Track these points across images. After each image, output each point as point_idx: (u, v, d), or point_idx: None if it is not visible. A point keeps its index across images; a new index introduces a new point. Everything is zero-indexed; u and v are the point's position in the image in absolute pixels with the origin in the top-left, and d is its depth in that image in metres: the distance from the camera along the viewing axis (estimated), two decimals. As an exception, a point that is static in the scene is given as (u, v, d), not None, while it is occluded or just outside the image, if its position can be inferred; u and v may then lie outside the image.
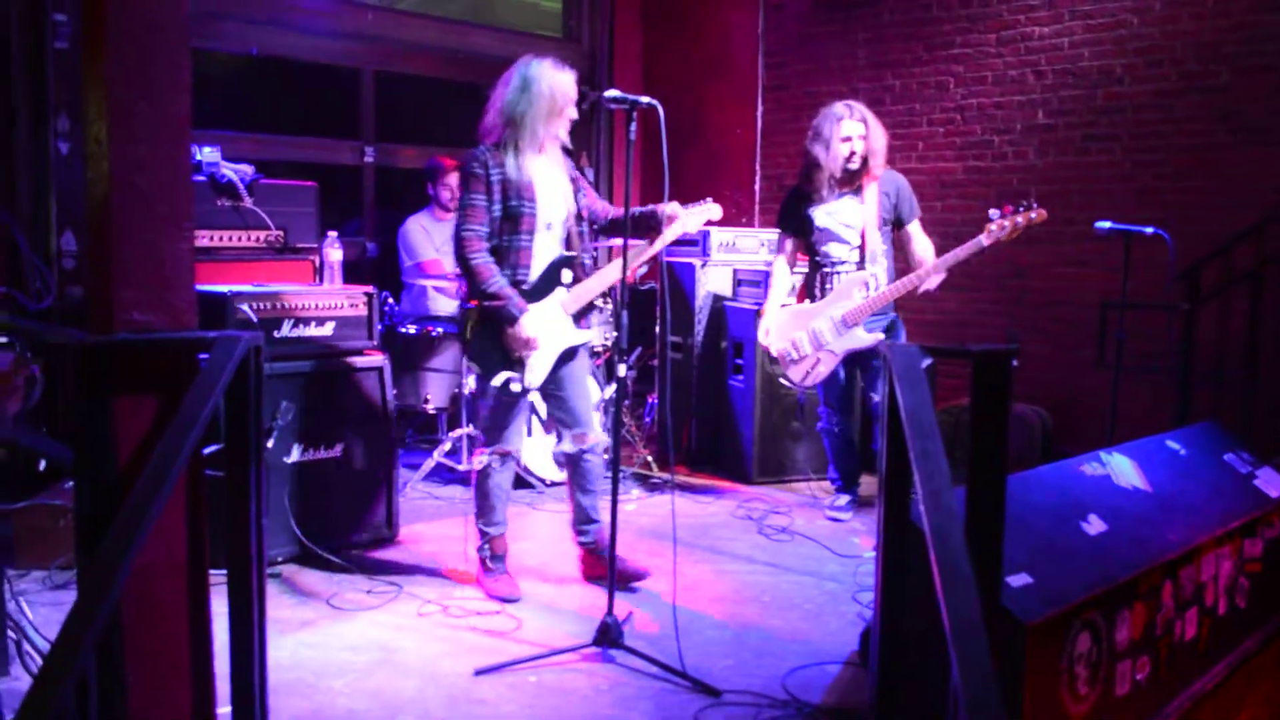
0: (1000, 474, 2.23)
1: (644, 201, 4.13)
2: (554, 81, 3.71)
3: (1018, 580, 2.45)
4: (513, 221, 3.70)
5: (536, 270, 3.78)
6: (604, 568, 3.81)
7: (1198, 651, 3.18)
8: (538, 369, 3.80)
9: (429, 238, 5.94)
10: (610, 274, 3.84)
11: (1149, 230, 4.32)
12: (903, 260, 4.86)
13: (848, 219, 4.77)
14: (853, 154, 4.69)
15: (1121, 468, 3.31)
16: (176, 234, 2.27)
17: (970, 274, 6.22)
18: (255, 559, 2.40)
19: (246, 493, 2.38)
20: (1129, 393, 4.96)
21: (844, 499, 5.09)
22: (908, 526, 2.35)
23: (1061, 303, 5.84)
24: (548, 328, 3.78)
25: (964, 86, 6.32)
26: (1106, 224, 4.35)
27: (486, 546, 3.99)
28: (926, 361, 2.18)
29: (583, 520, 4.02)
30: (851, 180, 4.75)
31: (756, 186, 7.45)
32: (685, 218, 3.88)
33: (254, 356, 2.29)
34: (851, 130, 4.68)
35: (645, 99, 3.36)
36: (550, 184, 3.80)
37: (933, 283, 4.54)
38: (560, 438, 4.01)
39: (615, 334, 3.52)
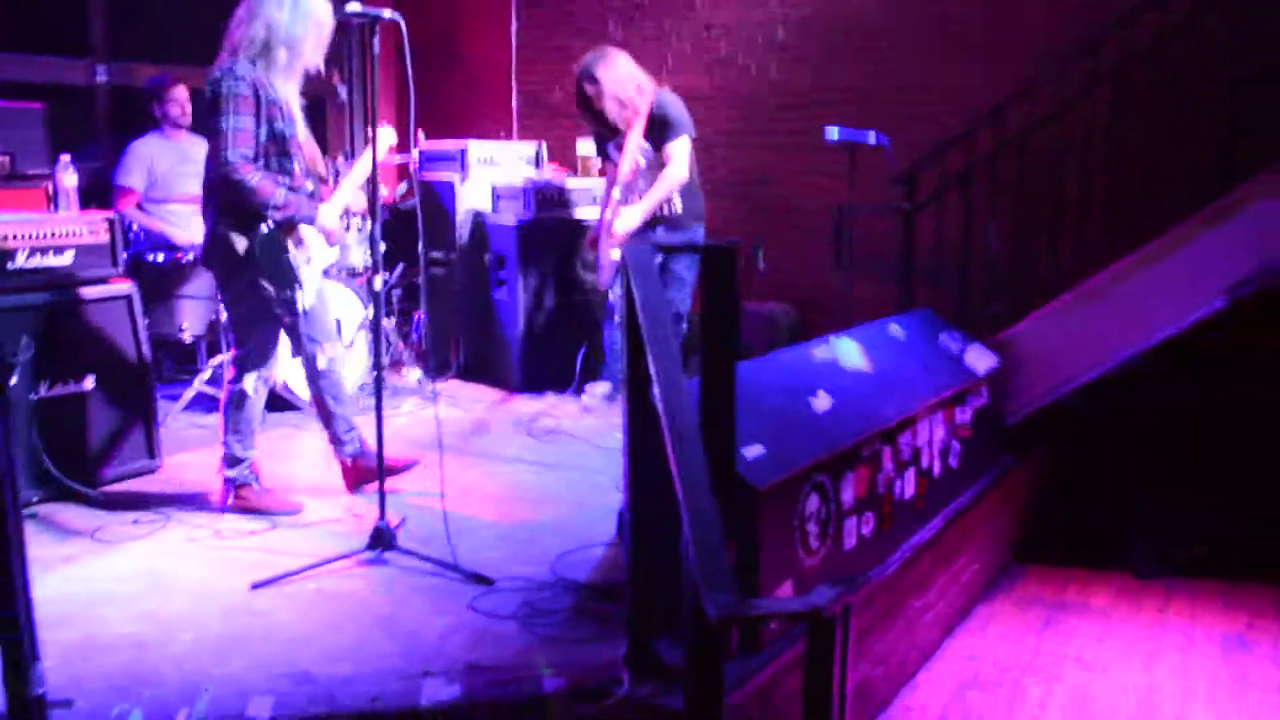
0: (730, 356, 2.47)
1: (397, 120, 4.18)
2: (324, 9, 3.70)
3: (751, 451, 2.72)
4: (279, 144, 3.65)
5: (303, 192, 3.76)
6: (369, 474, 3.93)
7: (916, 508, 3.60)
8: (311, 287, 3.82)
9: (151, 163, 5.64)
10: (340, 198, 3.98)
11: (871, 139, 4.69)
12: None
13: (625, 152, 5.11)
14: (599, 113, 5.04)
15: (847, 350, 3.66)
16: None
17: (716, 182, 6.54)
18: (8, 491, 2.37)
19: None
20: (862, 288, 5.40)
21: (603, 386, 5.41)
22: (648, 409, 2.56)
23: (802, 208, 6.23)
24: (316, 245, 3.83)
25: (710, 5, 6.57)
26: (835, 131, 4.69)
27: (248, 470, 3.97)
28: (659, 258, 2.38)
29: (344, 429, 4.06)
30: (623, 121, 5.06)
31: (514, 102, 7.50)
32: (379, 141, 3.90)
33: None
34: (589, 92, 5.02)
35: (387, 13, 3.39)
36: (298, 109, 3.78)
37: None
38: (307, 354, 3.97)
39: (373, 253, 3.58)
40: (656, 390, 2.12)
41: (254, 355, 3.88)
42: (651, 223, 5.01)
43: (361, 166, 4.00)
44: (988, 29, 5.61)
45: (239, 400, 3.90)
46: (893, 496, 3.40)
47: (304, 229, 3.76)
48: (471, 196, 6.22)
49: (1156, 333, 4.38)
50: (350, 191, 4.05)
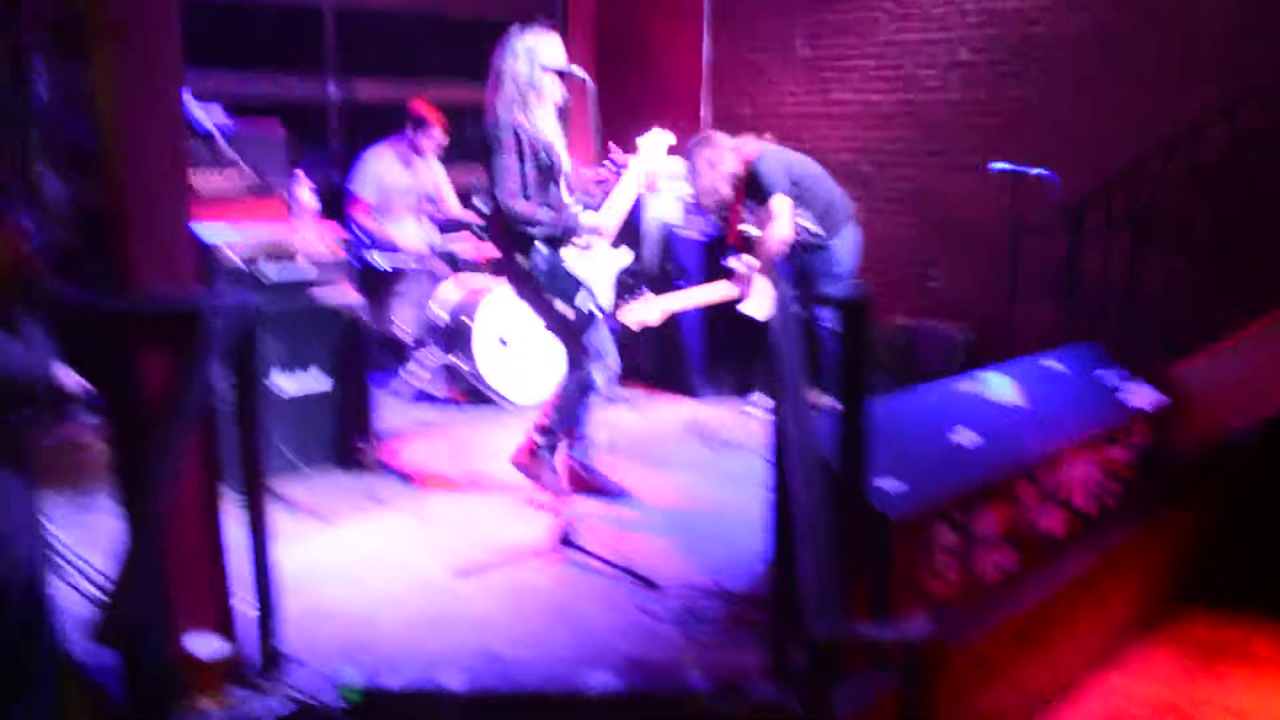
0: (863, 397, 2.74)
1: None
2: (552, 48, 4.17)
3: (888, 484, 2.99)
4: (544, 173, 4.19)
5: (570, 210, 4.27)
6: (585, 486, 4.45)
7: (1060, 543, 3.75)
8: (602, 290, 4.29)
9: (383, 178, 6.19)
10: (614, 215, 4.36)
11: (1034, 172, 4.81)
12: None
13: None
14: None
15: (998, 385, 3.85)
16: (180, 211, 2.71)
17: (896, 197, 6.72)
18: (259, 476, 2.92)
19: (251, 426, 2.88)
20: (1037, 311, 5.51)
21: (764, 398, 5.75)
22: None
23: (981, 227, 6.31)
24: (599, 255, 4.30)
25: (895, 22, 6.71)
26: (1001, 165, 4.83)
27: (551, 441, 4.40)
28: (797, 307, 2.69)
29: (577, 436, 4.51)
30: None
31: (703, 114, 7.82)
32: (643, 149, 4.46)
33: (252, 315, 2.77)
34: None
35: (579, 72, 3.83)
36: (557, 135, 4.30)
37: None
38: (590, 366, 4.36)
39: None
40: (790, 433, 2.43)
41: (588, 352, 4.31)
42: (794, 249, 5.35)
43: (629, 177, 4.46)
44: (1170, 58, 5.57)
45: (582, 392, 4.37)
46: (1034, 531, 3.58)
47: (590, 237, 4.25)
48: (660, 208, 6.60)
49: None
50: (624, 200, 4.40)
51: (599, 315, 4.29)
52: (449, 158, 6.76)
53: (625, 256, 4.41)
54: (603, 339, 4.38)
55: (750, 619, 3.43)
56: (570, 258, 4.20)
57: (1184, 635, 4.44)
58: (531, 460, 4.43)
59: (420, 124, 6.26)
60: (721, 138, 5.41)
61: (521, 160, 4.14)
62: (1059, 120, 6.01)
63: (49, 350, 2.47)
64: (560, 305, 4.22)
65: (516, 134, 4.13)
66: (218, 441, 2.90)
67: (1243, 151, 4.62)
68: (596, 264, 4.29)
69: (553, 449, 4.42)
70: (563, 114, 4.05)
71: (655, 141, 4.53)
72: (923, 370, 6.08)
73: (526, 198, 4.15)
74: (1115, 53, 5.78)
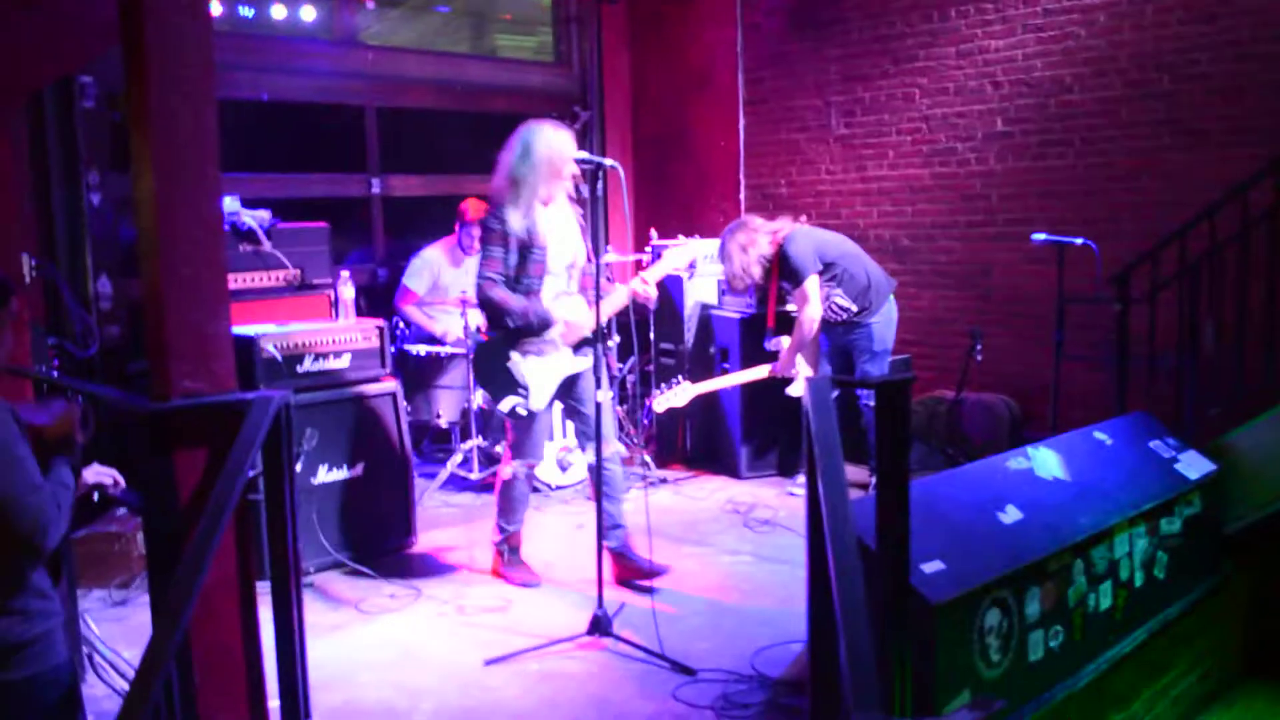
0: (904, 480, 2.68)
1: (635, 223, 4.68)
2: (551, 143, 4.19)
3: (930, 566, 2.90)
4: (525, 267, 4.22)
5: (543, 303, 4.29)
6: (627, 573, 4.42)
7: (1114, 620, 3.62)
8: (540, 393, 4.30)
9: (437, 273, 6.36)
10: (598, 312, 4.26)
11: (1078, 241, 4.75)
12: None
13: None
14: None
15: (1045, 461, 3.75)
16: (217, 315, 2.74)
17: (938, 271, 6.67)
18: (293, 574, 2.89)
19: (283, 519, 2.87)
20: (1086, 379, 5.40)
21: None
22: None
23: (1024, 298, 6.25)
24: (551, 358, 4.30)
25: (929, 97, 6.73)
26: (1042, 236, 4.79)
27: (505, 542, 4.56)
28: (834, 393, 2.64)
29: (608, 523, 4.39)
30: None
31: (742, 195, 7.87)
32: (666, 258, 4.60)
33: (284, 411, 2.77)
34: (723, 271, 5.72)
35: (609, 162, 3.85)
36: (558, 232, 4.30)
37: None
38: (584, 449, 4.51)
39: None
40: (824, 518, 2.37)
41: (516, 446, 4.44)
42: (832, 324, 5.41)
43: (621, 291, 4.41)
44: (1211, 118, 5.53)
45: (507, 484, 4.50)
46: (1085, 609, 3.46)
47: (546, 341, 4.26)
48: (698, 290, 6.62)
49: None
50: (584, 326, 4.36)
51: (525, 417, 4.33)
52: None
53: (583, 362, 4.38)
54: (530, 438, 4.42)
55: (786, 705, 3.33)
56: (516, 359, 4.27)
57: (1247, 709, 4.26)
58: (502, 564, 4.59)
59: (468, 223, 6.40)
60: (756, 221, 5.45)
61: (506, 250, 4.21)
62: (1099, 187, 5.96)
63: (69, 484, 2.49)
64: (489, 398, 4.35)
65: (504, 226, 4.19)
66: (254, 536, 2.90)
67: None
68: (546, 366, 4.29)
69: (513, 547, 4.60)
70: (595, 203, 4.05)
71: (681, 255, 4.67)
72: (970, 443, 5.98)
73: (515, 287, 4.23)
74: (1154, 116, 5.74)
